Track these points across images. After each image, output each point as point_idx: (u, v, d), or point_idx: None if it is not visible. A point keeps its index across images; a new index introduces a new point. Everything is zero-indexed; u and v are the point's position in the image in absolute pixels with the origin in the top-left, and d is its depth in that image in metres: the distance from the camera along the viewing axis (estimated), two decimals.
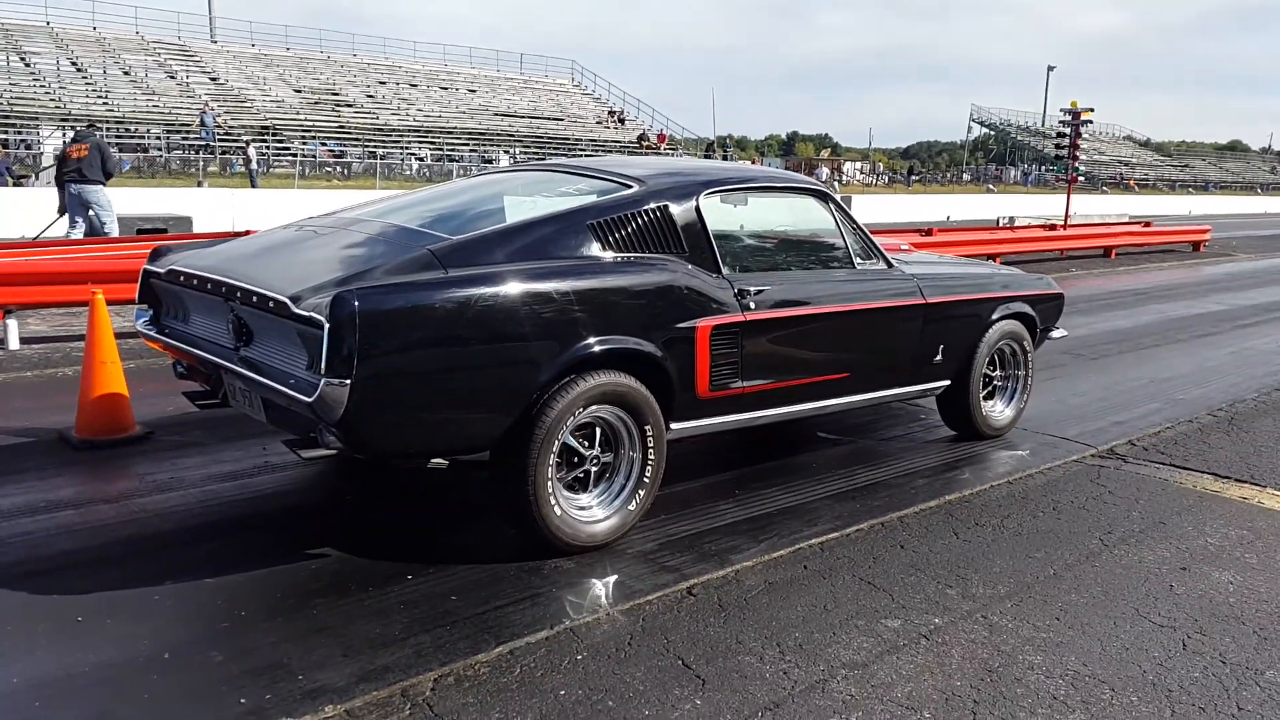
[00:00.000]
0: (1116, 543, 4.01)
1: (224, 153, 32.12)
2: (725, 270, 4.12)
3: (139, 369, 6.61)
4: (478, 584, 3.45)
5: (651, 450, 3.84)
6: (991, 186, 54.33)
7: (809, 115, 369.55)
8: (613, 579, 3.54)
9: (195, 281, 3.83)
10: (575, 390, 3.55)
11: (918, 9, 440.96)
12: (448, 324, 3.28)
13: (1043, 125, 71.19)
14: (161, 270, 4.12)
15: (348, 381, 3.05)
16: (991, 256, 15.91)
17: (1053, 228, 18.82)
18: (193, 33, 42.85)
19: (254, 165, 28.59)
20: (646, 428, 3.81)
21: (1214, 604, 3.44)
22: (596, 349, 3.59)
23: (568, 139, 44.20)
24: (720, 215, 4.32)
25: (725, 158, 49.76)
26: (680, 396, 3.93)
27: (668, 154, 46.36)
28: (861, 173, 67.50)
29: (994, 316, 5.30)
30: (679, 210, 4.05)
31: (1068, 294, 6.35)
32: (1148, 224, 20.70)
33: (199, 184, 24.61)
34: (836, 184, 52.31)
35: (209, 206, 18.45)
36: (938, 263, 5.79)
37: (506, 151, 39.99)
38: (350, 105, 41.17)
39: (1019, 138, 75.35)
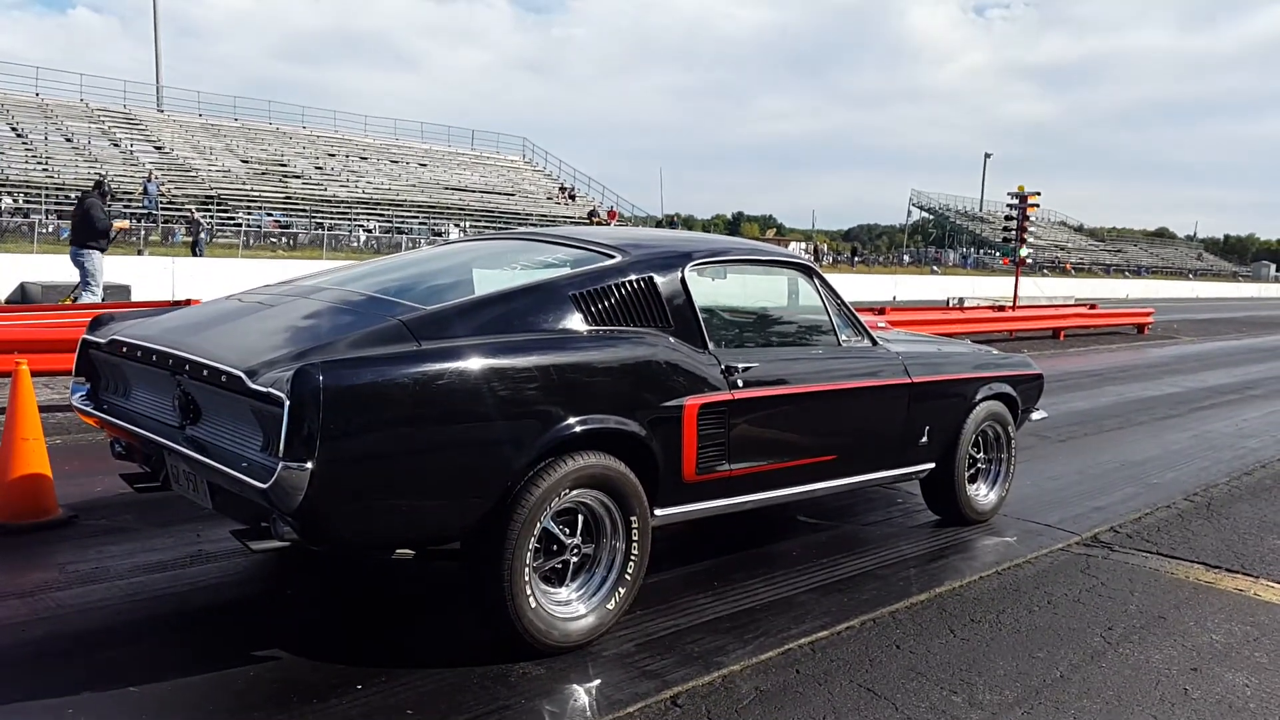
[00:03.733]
0: (1120, 640, 3.78)
1: (166, 221, 31.53)
2: (711, 346, 3.88)
3: (64, 445, 6.16)
4: (436, 694, 3.08)
5: (636, 538, 3.55)
6: (935, 268, 55.55)
7: (754, 196, 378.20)
8: (589, 687, 3.20)
9: (139, 353, 3.49)
10: (557, 473, 3.26)
11: (858, 97, 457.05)
12: (421, 402, 2.98)
13: (980, 210, 73.53)
14: (102, 340, 3.74)
15: (308, 465, 2.72)
16: (945, 336, 16.05)
17: (1001, 309, 19.09)
18: (139, 102, 42.51)
19: (203, 235, 28.03)
20: (631, 516, 3.53)
21: (1233, 709, 3.21)
22: (579, 429, 3.31)
23: (518, 214, 44.35)
24: (704, 288, 4.08)
25: None
26: (666, 480, 3.66)
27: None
28: (806, 253, 68.72)
29: (978, 397, 5.13)
30: (663, 282, 3.83)
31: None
32: (1093, 306, 21.15)
33: (139, 252, 23.99)
34: None
35: (149, 275, 17.92)
36: (919, 341, 5.63)
37: (457, 225, 39.95)
38: (298, 176, 40.94)
39: (957, 221, 77.54)
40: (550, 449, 3.25)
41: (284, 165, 41.81)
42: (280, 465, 2.73)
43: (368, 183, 42.76)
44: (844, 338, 4.54)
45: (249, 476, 2.85)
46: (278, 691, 3.07)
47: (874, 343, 4.69)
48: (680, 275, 3.91)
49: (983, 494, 5.36)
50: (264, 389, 2.85)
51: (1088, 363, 14.75)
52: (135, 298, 13.49)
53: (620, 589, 3.54)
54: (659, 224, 51.70)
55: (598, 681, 3.23)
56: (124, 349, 3.60)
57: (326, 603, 3.92)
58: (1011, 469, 5.48)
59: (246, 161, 40.68)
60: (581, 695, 3.15)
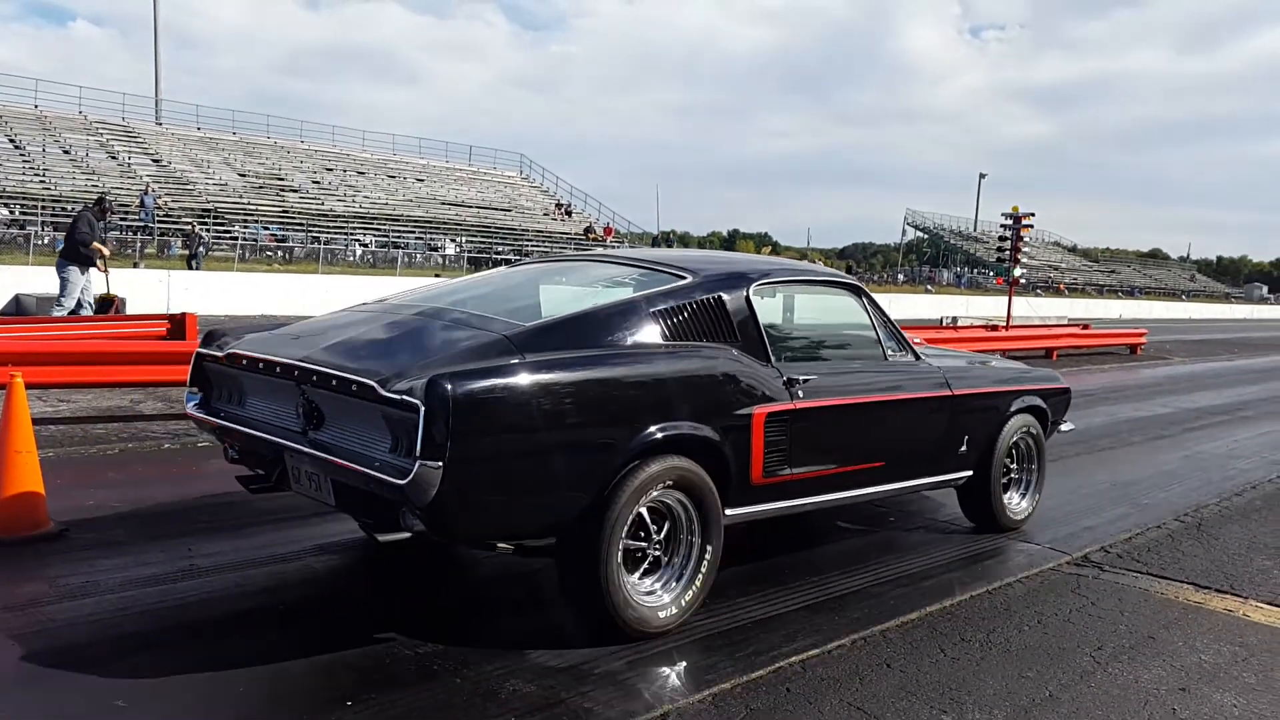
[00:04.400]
0: (1109, 660, 3.79)
1: (163, 234, 31.55)
2: (774, 359, 4.18)
3: (57, 458, 6.15)
4: (426, 711, 3.09)
5: (711, 535, 3.86)
6: (929, 287, 55.72)
7: (750, 213, 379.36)
8: (580, 706, 3.20)
9: (261, 365, 3.75)
10: (645, 473, 3.56)
11: (855, 115, 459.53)
12: (532, 408, 3.29)
13: (974, 229, 73.84)
14: (220, 353, 4.04)
15: (440, 464, 3.03)
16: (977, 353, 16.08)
17: (995, 328, 19.14)
18: (138, 114, 42.61)
19: (201, 248, 28.04)
20: (707, 514, 3.84)
21: None
22: (663, 434, 3.61)
23: (514, 229, 44.47)
24: (765, 306, 4.42)
25: None
26: (736, 483, 3.95)
27: (614, 245, 46.84)
28: None
29: (1012, 409, 5.40)
30: (731, 300, 4.15)
31: None
32: (1086, 326, 21.22)
33: (135, 265, 23.99)
34: None
35: (144, 288, 17.95)
36: (956, 356, 5.91)
37: (453, 240, 40.03)
38: (295, 190, 41.03)
39: (951, 241, 77.81)
40: (638, 452, 3.54)
41: (281, 179, 41.90)
42: (417, 464, 3.02)
43: (365, 197, 42.86)
44: (890, 352, 4.85)
45: (385, 474, 3.13)
46: (268, 707, 3.07)
47: (917, 357, 4.99)
48: (745, 294, 4.22)
49: (1015, 502, 5.61)
50: (398, 396, 3.13)
51: (1080, 383, 14.77)
52: (130, 310, 13.50)
53: (696, 581, 3.85)
54: (654, 240, 51.88)
55: (590, 701, 3.23)
56: (244, 361, 3.85)
57: (322, 613, 3.93)
58: (1042, 479, 5.74)
59: (244, 175, 40.76)
60: (571, 714, 3.15)
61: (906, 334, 5.00)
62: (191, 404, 4.19)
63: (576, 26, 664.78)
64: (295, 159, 44.96)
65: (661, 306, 3.94)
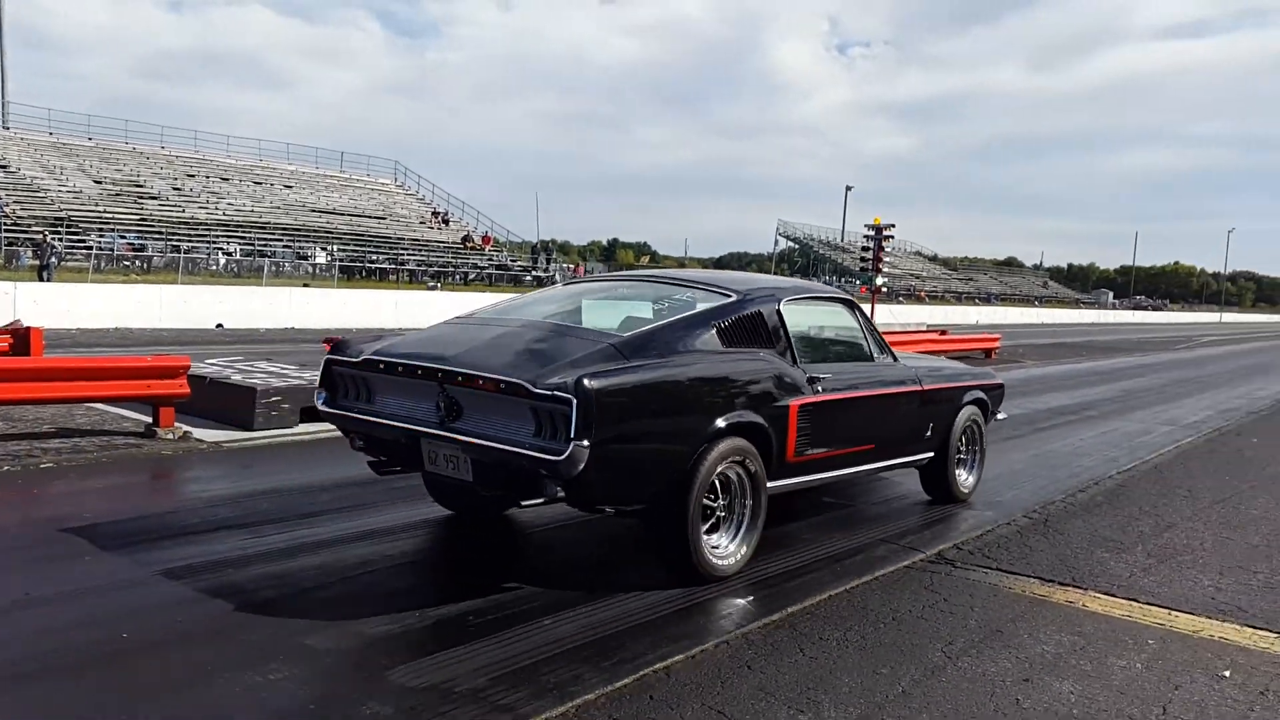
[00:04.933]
0: (959, 654, 3.95)
1: (10, 244, 29.57)
2: (798, 361, 5.12)
3: None
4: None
5: (760, 502, 4.81)
6: None
7: (629, 223, 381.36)
8: None
9: (400, 368, 4.48)
10: (717, 450, 4.47)
11: (729, 128, 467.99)
12: (645, 400, 4.22)
13: (842, 240, 76.24)
14: (354, 359, 4.73)
15: (587, 444, 3.86)
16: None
17: None
18: None
19: (53, 258, 26.34)
20: (758, 483, 4.77)
21: (1059, 717, 3.40)
22: (731, 420, 4.53)
23: (389, 237, 43.53)
24: (790, 318, 5.27)
25: (549, 261, 50.36)
26: (776, 459, 4.87)
27: (493, 254, 46.41)
28: None
29: (964, 400, 6.52)
30: (768, 314, 5.11)
31: None
32: (944, 332, 22.19)
33: None
34: None
35: None
36: (920, 358, 6.96)
37: (324, 249, 38.86)
38: (155, 198, 39.13)
39: (821, 251, 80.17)
40: (713, 434, 4.45)
41: (140, 186, 39.88)
42: (571, 445, 3.83)
43: (229, 204, 41.20)
44: (876, 354, 5.83)
45: (539, 452, 3.93)
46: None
47: (894, 359, 6.00)
48: (777, 308, 5.17)
49: (964, 478, 6.71)
50: (549, 392, 3.91)
51: None
52: None
53: (750, 536, 4.81)
54: (534, 249, 51.67)
55: (447, 718, 3.16)
56: (382, 365, 4.56)
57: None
58: (984, 458, 6.87)
59: (100, 182, 38.60)
60: None
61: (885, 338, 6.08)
62: (320, 401, 4.94)
63: (452, 34, 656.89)
64: (155, 165, 42.87)
65: (718, 320, 4.88)
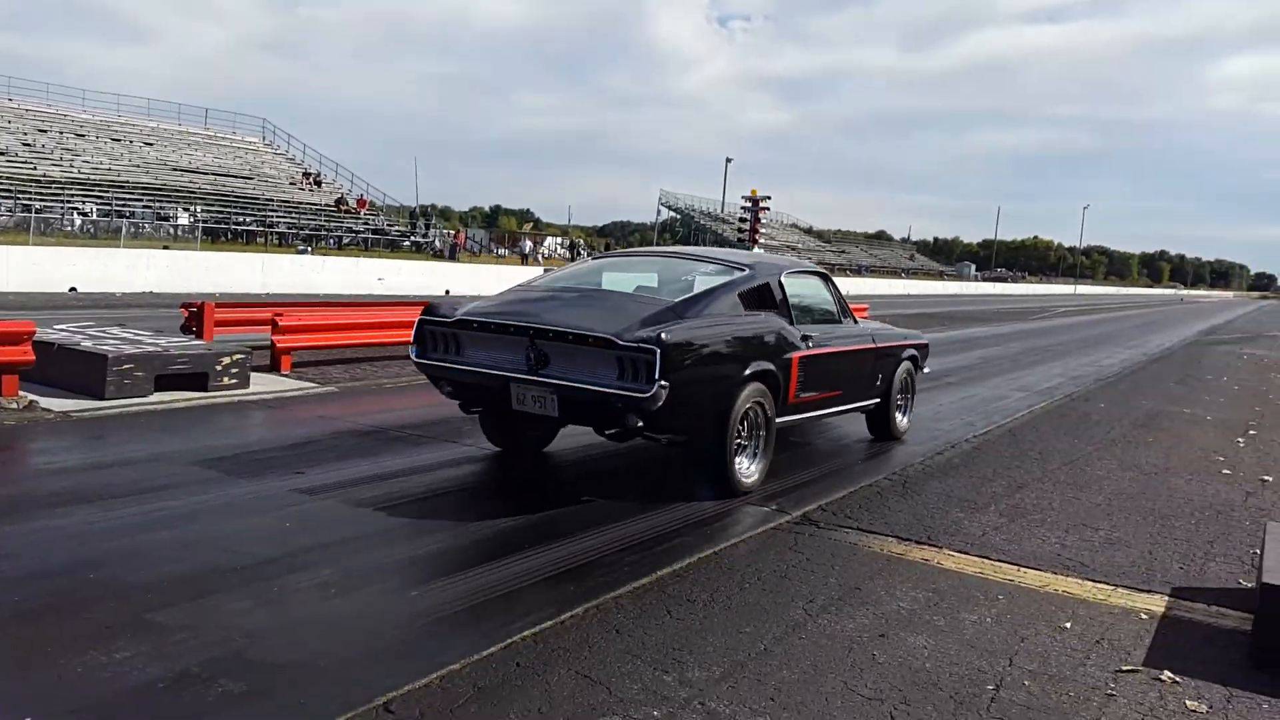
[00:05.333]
0: (819, 612, 4.07)
1: None
2: (795, 323, 6.37)
3: None
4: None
5: (771, 433, 6.03)
6: None
7: (512, 190, 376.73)
8: (295, 703, 3.04)
9: (493, 326, 5.54)
10: (746, 390, 5.69)
11: (612, 98, 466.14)
12: (702, 350, 5.37)
13: (722, 211, 77.13)
14: (447, 318, 5.77)
15: (666, 384, 4.93)
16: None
17: None
18: None
19: None
20: (770, 418, 5.98)
21: (913, 671, 3.54)
22: (755, 368, 5.77)
23: (257, 199, 41.69)
24: (788, 288, 6.53)
25: (428, 226, 49.25)
26: (781, 400, 6.09)
27: (369, 218, 45.07)
28: (562, 246, 69.54)
29: (902, 356, 7.99)
30: (773, 284, 6.38)
31: None
32: None
33: None
34: (540, 256, 53.30)
35: None
36: (869, 322, 8.43)
37: (187, 209, 36.93)
38: (2, 153, 36.29)
39: (701, 221, 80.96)
40: (745, 378, 5.67)
41: None
42: (656, 385, 4.90)
43: (85, 162, 38.60)
44: (844, 319, 7.16)
45: (628, 392, 5.01)
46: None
47: (855, 322, 7.38)
48: (780, 280, 6.47)
49: (900, 420, 8.13)
50: (634, 345, 5.00)
51: None
52: None
53: (764, 461, 6.02)
54: (412, 214, 50.40)
55: (306, 697, 3.07)
56: (475, 325, 5.64)
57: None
58: (913, 404, 8.40)
59: None
60: (287, 708, 2.98)
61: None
62: (414, 354, 5.95)
63: None
64: (2, 119, 39.73)
65: (740, 289, 6.08)
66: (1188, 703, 3.38)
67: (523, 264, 42.02)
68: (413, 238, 44.82)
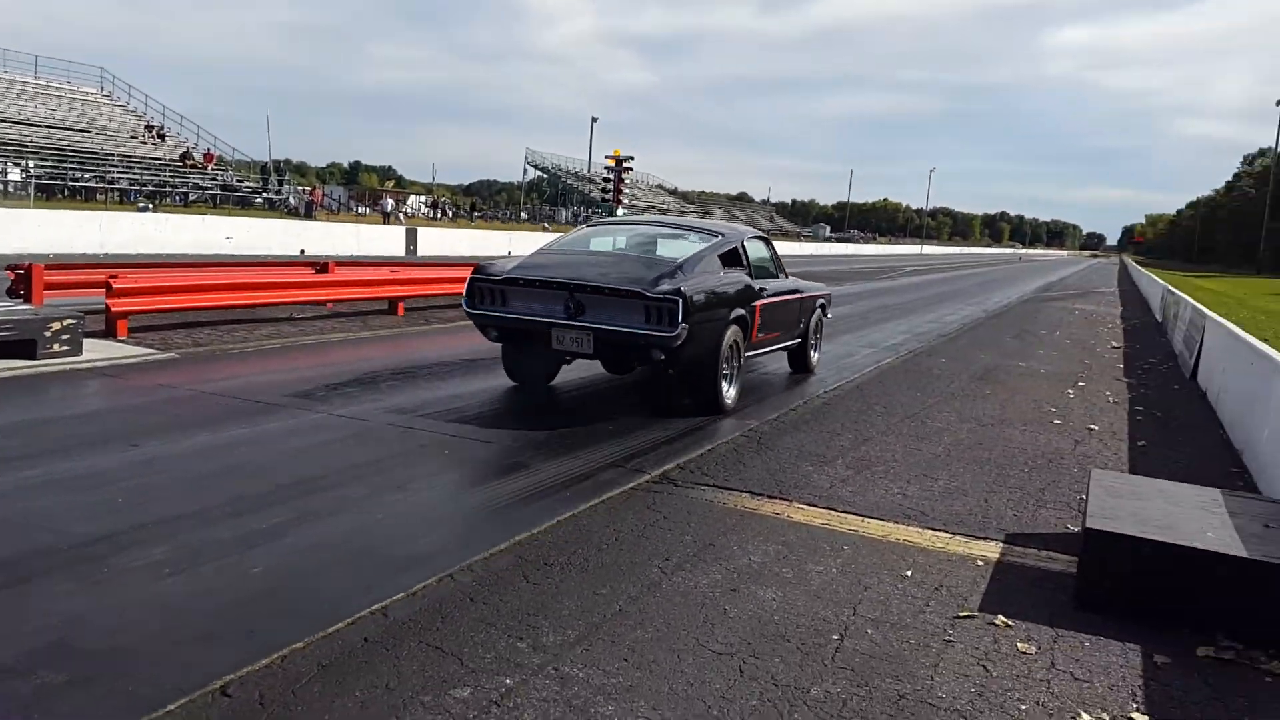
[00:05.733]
0: (674, 569, 4.12)
1: None
2: (754, 278, 8.10)
3: None
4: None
5: (741, 364, 7.80)
6: (547, 225, 57.27)
7: (373, 144, 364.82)
8: (129, 690, 2.86)
9: (538, 283, 6.97)
10: (729, 330, 7.37)
11: (475, 52, 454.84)
12: (706, 300, 6.85)
13: (589, 171, 76.80)
14: (496, 277, 7.17)
15: (686, 326, 6.50)
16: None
17: None
18: None
19: None
20: (741, 352, 7.73)
21: (762, 624, 3.62)
22: (735, 312, 7.47)
23: (96, 153, 38.82)
24: (749, 250, 8.41)
25: (281, 182, 47.07)
26: (747, 338, 7.83)
27: (217, 174, 42.74)
28: (426, 205, 67.86)
29: (816, 304, 9.99)
30: (739, 247, 8.12)
31: None
32: None
33: None
34: (402, 215, 51.81)
35: None
36: (795, 278, 9.68)
37: (18, 164, 34.03)
38: None
39: (569, 181, 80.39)
40: (730, 321, 7.33)
41: None
42: (679, 327, 6.42)
43: None
44: (779, 274, 8.95)
45: (657, 333, 6.53)
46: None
47: (787, 276, 9.20)
48: (743, 244, 8.23)
49: (813, 356, 10.12)
50: (660, 296, 6.51)
51: None
52: None
53: (737, 386, 7.72)
54: (264, 169, 48.03)
55: (137, 685, 2.90)
56: (522, 281, 7.03)
57: None
58: (821, 343, 10.49)
59: None
60: (113, 697, 2.80)
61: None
62: (466, 304, 7.29)
63: None
64: None
65: (721, 251, 7.81)
66: (1019, 645, 3.58)
67: (384, 223, 40.69)
68: (265, 195, 42.76)
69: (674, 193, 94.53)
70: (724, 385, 7.47)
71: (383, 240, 29.56)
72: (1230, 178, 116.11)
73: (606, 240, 8.50)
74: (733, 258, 7.93)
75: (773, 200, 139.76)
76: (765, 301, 8.12)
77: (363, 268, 14.95)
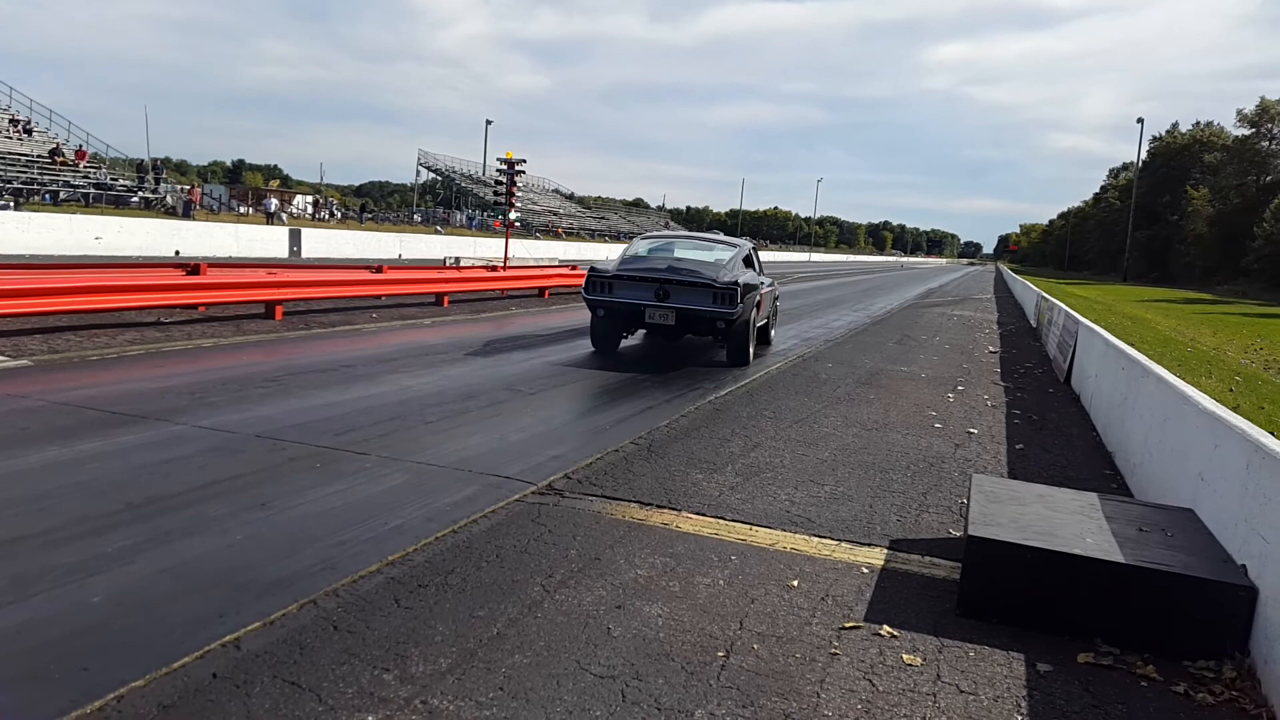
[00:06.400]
0: (557, 587, 3.94)
1: None
2: (761, 276, 12.62)
3: None
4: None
5: (755, 334, 11.79)
6: (439, 228, 56.28)
7: (257, 143, 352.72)
8: None
9: (640, 278, 10.53)
10: (753, 310, 11.22)
11: (365, 51, 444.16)
12: (746, 289, 10.66)
13: (483, 174, 75.91)
14: (606, 273, 10.72)
15: (742, 305, 10.43)
16: (441, 295, 16.17)
17: (494, 269, 19.77)
18: None
19: None
20: (755, 324, 11.61)
21: (647, 642, 3.48)
22: (755, 297, 11.35)
23: None
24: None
25: (157, 181, 44.93)
26: (758, 315, 11.84)
27: (90, 171, 40.50)
28: (314, 206, 65.89)
29: (776, 294, 14.31)
30: (753, 253, 12.58)
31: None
32: (574, 267, 22.78)
33: None
34: (285, 215, 50.09)
35: None
36: (768, 276, 13.48)
37: None
38: None
39: (463, 184, 79.28)
40: (754, 303, 11.30)
41: None
42: (740, 306, 10.39)
43: None
44: (764, 272, 12.81)
45: (723, 309, 10.29)
46: None
47: (763, 273, 12.89)
48: (751, 250, 12.49)
49: (774, 335, 14.12)
50: (725, 285, 10.33)
51: (566, 319, 15.85)
52: None
53: (754, 346, 11.69)
54: (140, 166, 45.74)
55: None
56: (627, 276, 10.65)
57: None
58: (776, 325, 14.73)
59: None
60: None
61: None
62: (584, 293, 10.73)
63: None
64: None
65: (742, 256, 11.77)
66: (905, 657, 3.53)
67: (268, 223, 39.23)
68: (141, 194, 40.68)
69: (570, 197, 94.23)
70: (750, 346, 11.36)
71: (264, 241, 28.51)
72: (1098, 189, 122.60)
73: (666, 250, 12.30)
74: (748, 261, 12.19)
75: (668, 206, 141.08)
76: (765, 291, 12.46)
77: (239, 269, 14.28)
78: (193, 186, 54.17)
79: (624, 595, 3.91)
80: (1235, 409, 5.75)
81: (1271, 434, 4.09)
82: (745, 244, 12.42)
